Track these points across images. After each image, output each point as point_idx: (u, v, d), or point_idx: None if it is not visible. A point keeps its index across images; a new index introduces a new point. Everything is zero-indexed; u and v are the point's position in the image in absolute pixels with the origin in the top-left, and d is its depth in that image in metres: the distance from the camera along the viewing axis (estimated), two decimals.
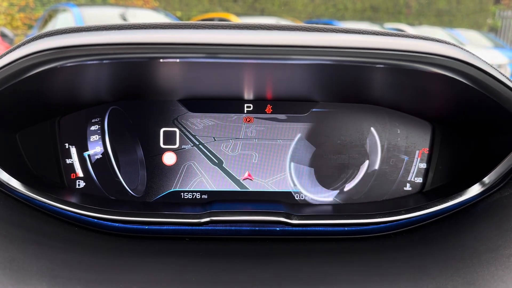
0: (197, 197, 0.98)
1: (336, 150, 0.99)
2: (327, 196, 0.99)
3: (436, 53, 0.70)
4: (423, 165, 0.99)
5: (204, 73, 0.81)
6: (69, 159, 0.95)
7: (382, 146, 0.99)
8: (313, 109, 0.98)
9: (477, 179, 0.85)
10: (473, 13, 14.63)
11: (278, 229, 0.83)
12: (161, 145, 0.98)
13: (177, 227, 0.82)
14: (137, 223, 0.82)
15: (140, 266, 0.71)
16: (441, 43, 0.72)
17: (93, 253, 0.74)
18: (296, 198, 0.99)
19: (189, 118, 0.98)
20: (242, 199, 0.98)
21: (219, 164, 0.98)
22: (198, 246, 0.81)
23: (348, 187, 0.99)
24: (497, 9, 13.70)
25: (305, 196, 0.99)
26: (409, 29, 8.76)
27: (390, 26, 9.54)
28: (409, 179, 1.00)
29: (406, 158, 0.99)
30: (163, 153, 0.98)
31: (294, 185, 0.99)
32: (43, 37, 0.70)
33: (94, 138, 0.96)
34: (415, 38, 0.71)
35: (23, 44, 0.71)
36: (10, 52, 0.70)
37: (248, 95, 0.96)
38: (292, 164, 0.99)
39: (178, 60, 0.70)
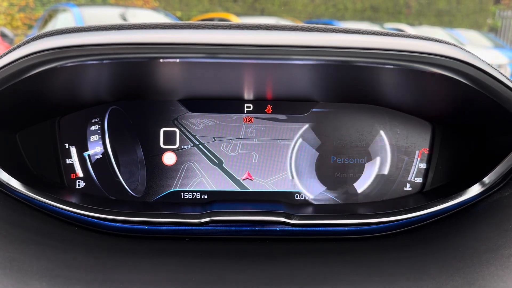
0: (197, 197, 0.98)
1: (336, 150, 0.99)
2: (327, 196, 0.99)
3: (436, 53, 0.70)
4: (423, 165, 0.99)
5: (204, 73, 0.81)
6: (69, 159, 0.95)
7: (382, 146, 0.99)
8: (313, 109, 0.98)
9: (477, 179, 0.85)
10: (473, 13, 14.63)
11: (278, 229, 0.83)
12: (161, 145, 0.98)
13: (177, 227, 0.82)
14: (137, 223, 0.82)
15: (140, 266, 0.71)
16: (441, 43, 0.72)
17: (93, 253, 0.74)
18: (296, 198, 0.99)
19: (189, 118, 0.98)
20: (242, 199, 0.98)
21: (219, 164, 0.98)
22: (198, 246, 0.81)
23: (348, 187, 0.99)
24: (497, 9, 13.69)
25: (305, 196, 0.99)
26: (409, 29, 8.76)
27: (390, 26, 9.54)
28: (409, 179, 1.00)
29: (406, 158, 0.99)
30: (163, 153, 0.98)
31: (294, 185, 0.99)
32: (43, 37, 0.70)
33: (94, 138, 0.96)
34: (415, 38, 0.71)
35: (23, 44, 0.71)
36: (10, 52, 0.70)
37: (248, 95, 0.96)
38: (292, 164, 0.99)
39: (178, 60, 0.70)
